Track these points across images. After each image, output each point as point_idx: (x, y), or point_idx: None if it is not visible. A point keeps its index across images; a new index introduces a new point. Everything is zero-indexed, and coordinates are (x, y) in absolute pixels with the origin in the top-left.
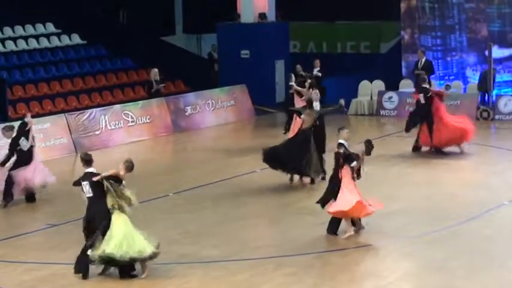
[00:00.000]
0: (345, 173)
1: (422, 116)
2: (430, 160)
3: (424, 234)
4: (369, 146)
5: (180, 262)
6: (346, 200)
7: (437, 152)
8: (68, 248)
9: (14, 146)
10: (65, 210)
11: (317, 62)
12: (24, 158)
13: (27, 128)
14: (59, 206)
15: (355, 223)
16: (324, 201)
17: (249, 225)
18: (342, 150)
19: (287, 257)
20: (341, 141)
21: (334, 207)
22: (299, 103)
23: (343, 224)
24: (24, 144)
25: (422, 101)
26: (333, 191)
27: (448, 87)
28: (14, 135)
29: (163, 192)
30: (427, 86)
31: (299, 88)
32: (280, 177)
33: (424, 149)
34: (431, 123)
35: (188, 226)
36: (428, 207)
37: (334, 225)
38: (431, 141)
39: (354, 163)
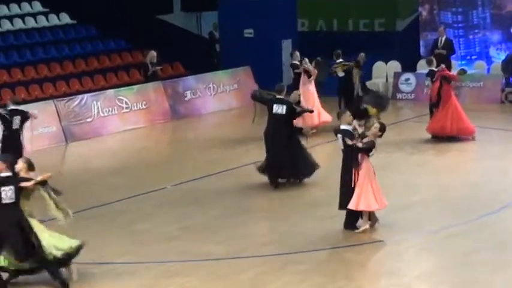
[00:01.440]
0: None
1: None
2: (452, 147)
3: (445, 227)
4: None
5: (181, 260)
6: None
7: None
8: None
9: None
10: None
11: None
12: (10, 138)
13: (27, 115)
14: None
15: (371, 216)
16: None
17: (254, 219)
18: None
19: (295, 253)
20: (344, 126)
21: (360, 204)
22: (306, 85)
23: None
24: (16, 122)
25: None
26: (348, 192)
27: (462, 72)
28: (12, 107)
29: (160, 184)
30: (434, 69)
31: (308, 66)
32: None
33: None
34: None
35: (188, 221)
36: (449, 197)
37: (352, 219)
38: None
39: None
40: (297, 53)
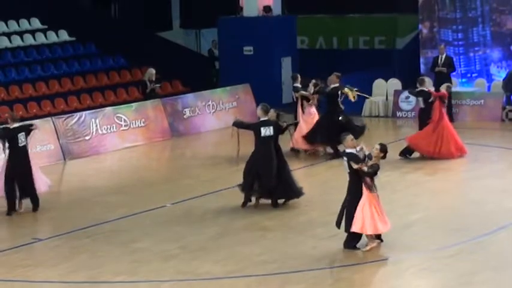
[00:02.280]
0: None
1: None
2: (451, 166)
3: (445, 247)
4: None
5: (178, 279)
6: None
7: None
8: (56, 265)
9: (8, 133)
10: (51, 224)
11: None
12: (19, 155)
13: (31, 128)
14: (44, 218)
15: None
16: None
17: (253, 238)
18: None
19: (294, 273)
20: (349, 150)
21: (367, 228)
22: (306, 108)
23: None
24: (22, 139)
25: (422, 106)
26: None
27: (448, 87)
28: (15, 125)
29: (159, 202)
30: (427, 89)
31: (304, 92)
32: None
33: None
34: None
35: (187, 240)
36: (450, 217)
37: (354, 240)
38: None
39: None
40: (299, 76)
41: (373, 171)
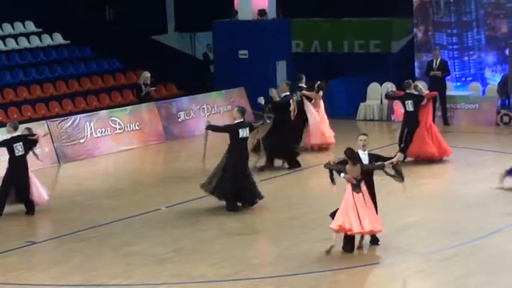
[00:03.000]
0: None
1: (412, 127)
2: (447, 169)
3: (441, 249)
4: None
5: (173, 282)
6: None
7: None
8: (50, 268)
9: (4, 143)
10: (45, 227)
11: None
12: (16, 165)
13: (33, 138)
14: (39, 221)
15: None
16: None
17: (247, 241)
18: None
19: (289, 276)
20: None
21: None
22: (309, 108)
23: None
24: (18, 149)
25: (411, 109)
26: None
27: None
28: (14, 134)
29: (154, 205)
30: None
31: (307, 92)
32: (281, 189)
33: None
34: (414, 130)
35: (181, 243)
36: (445, 220)
37: (350, 242)
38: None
39: (342, 174)
40: (303, 77)
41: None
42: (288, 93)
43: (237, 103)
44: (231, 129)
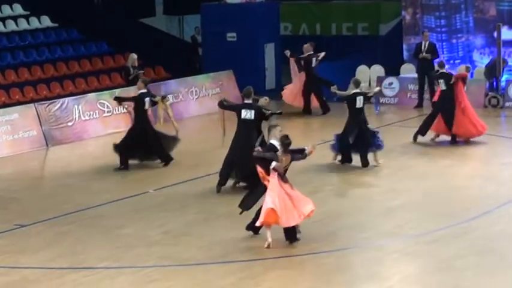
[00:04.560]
0: (272, 174)
1: (444, 105)
2: (434, 151)
3: (428, 232)
4: (284, 142)
5: (161, 265)
6: (264, 206)
7: (453, 141)
8: (39, 251)
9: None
10: (34, 210)
11: (308, 47)
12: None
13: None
14: (27, 204)
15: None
16: (245, 206)
17: (236, 224)
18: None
19: (277, 258)
20: (272, 141)
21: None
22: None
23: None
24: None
25: (443, 88)
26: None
27: (468, 68)
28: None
29: (142, 189)
30: (446, 71)
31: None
32: None
33: (440, 138)
34: (453, 109)
35: (170, 225)
36: (432, 202)
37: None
38: (452, 129)
39: (274, 163)
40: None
41: (261, 157)
42: (144, 90)
43: (225, 86)
44: (235, 108)
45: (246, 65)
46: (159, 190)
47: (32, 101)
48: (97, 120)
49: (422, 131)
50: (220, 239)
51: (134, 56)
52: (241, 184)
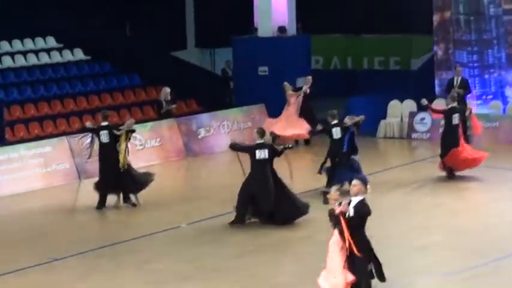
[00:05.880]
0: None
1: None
2: (467, 188)
3: (461, 270)
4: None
5: None
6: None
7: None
8: (73, 285)
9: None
10: (66, 243)
11: (309, 79)
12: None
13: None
14: (60, 238)
15: None
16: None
17: (268, 259)
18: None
19: None
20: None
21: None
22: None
23: None
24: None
25: (457, 122)
26: None
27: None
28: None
29: (174, 222)
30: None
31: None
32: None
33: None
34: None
35: (202, 260)
36: (465, 240)
37: None
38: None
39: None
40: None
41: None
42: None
43: (257, 119)
44: (249, 150)
45: (277, 99)
46: (191, 225)
47: (65, 133)
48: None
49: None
50: (253, 274)
51: (167, 89)
52: (253, 220)
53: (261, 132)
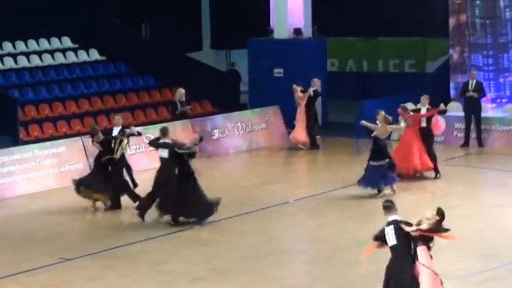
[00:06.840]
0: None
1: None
2: (482, 191)
3: (476, 272)
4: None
5: None
6: None
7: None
8: (84, 285)
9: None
10: (79, 243)
11: (316, 81)
12: None
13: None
14: (73, 238)
15: None
16: None
17: (281, 261)
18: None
19: None
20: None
21: None
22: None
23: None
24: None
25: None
26: None
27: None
28: None
29: (187, 223)
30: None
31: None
32: (314, 209)
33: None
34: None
35: (215, 261)
36: (479, 242)
37: None
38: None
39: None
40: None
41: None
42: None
43: (271, 121)
44: (155, 147)
45: (292, 101)
46: (204, 226)
47: (79, 133)
48: (143, 154)
49: None
50: (265, 276)
51: (182, 90)
52: (166, 218)
53: (164, 132)
